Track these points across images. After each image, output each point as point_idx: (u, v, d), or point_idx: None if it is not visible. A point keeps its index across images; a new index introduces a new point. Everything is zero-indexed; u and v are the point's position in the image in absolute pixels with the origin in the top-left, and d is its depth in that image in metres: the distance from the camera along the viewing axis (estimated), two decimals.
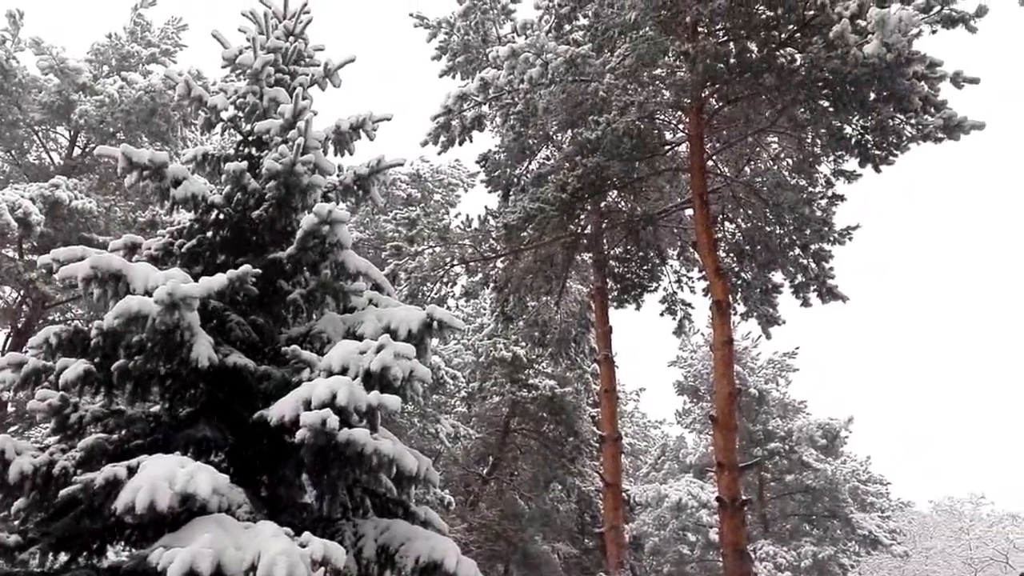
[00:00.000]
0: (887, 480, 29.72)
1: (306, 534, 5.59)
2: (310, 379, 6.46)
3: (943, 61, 12.23)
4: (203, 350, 6.32)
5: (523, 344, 22.16)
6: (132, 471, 5.51)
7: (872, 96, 12.24)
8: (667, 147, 15.03)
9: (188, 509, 5.28)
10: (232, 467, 6.88)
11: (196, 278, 6.65)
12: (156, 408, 7.29)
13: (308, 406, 5.95)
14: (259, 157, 8.12)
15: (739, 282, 15.76)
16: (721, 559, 14.95)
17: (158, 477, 5.18)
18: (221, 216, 7.84)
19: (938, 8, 11.36)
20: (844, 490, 26.21)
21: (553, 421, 24.90)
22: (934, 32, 11.55)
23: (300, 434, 5.81)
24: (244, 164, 7.80)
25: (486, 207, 15.22)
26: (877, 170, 12.99)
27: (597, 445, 19.29)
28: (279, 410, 6.13)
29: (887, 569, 26.34)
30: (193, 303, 6.11)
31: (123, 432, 6.89)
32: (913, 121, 12.49)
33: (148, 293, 6.16)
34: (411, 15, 16.15)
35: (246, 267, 6.64)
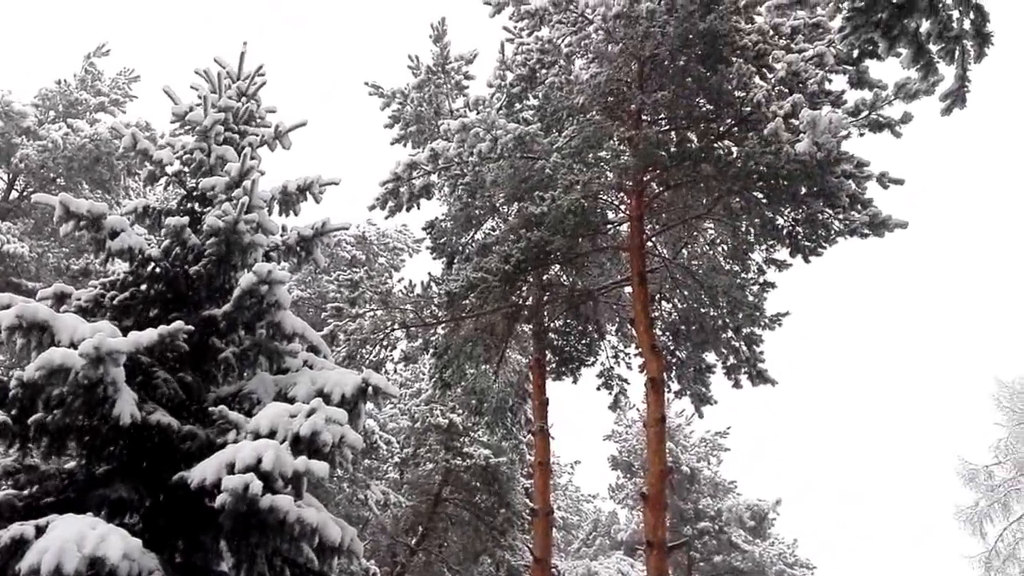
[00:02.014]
0: (813, 564, 29.94)
1: None
2: (236, 441, 6.36)
3: (870, 162, 12.97)
4: (126, 407, 6.19)
5: (460, 411, 21.99)
6: (40, 531, 5.31)
7: (803, 191, 12.85)
8: (609, 226, 15.43)
9: (97, 574, 5.09)
10: (147, 530, 6.65)
11: (126, 332, 6.55)
12: (72, 464, 7.05)
13: (231, 470, 5.84)
14: (202, 213, 8.10)
15: (674, 360, 16.05)
16: None
17: (67, 539, 5.01)
18: (157, 270, 7.76)
19: (866, 113, 12.06)
20: (771, 573, 26.33)
21: (486, 491, 24.55)
22: (861, 135, 12.26)
23: (221, 499, 5.69)
24: (186, 219, 7.79)
25: (430, 274, 15.32)
26: (806, 261, 13.54)
27: (529, 518, 19.11)
28: (201, 472, 6.00)
29: None
30: (119, 358, 6.01)
31: (35, 488, 6.63)
32: (841, 216, 13.11)
33: (74, 345, 6.04)
34: (367, 83, 16.47)
35: (178, 323, 6.57)
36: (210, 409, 6.71)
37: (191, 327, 6.72)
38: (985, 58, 6.83)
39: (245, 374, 7.61)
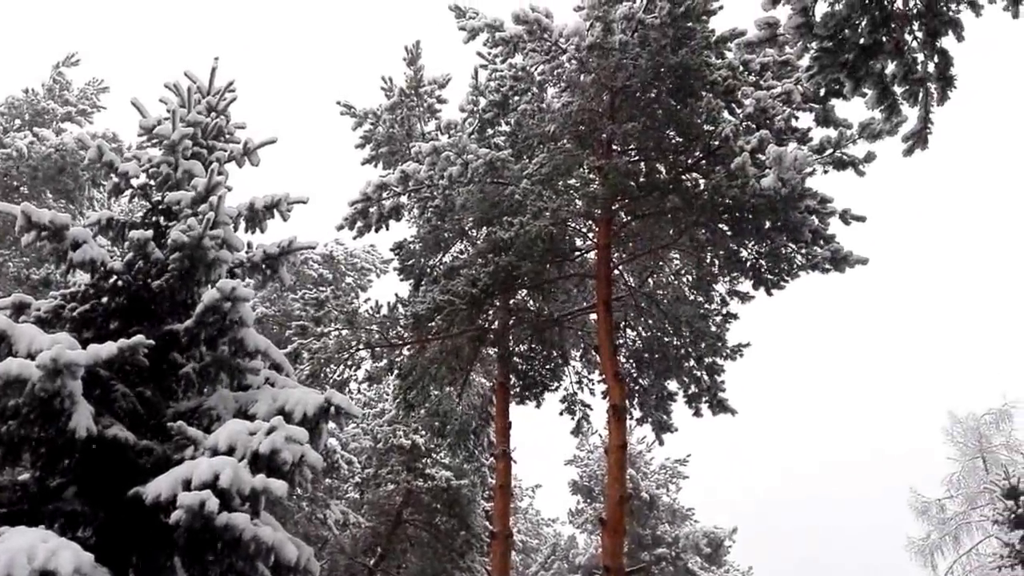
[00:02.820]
0: None
1: None
2: (194, 457, 6.32)
3: (833, 198, 13.32)
4: (83, 420, 6.12)
5: (423, 433, 21.88)
6: None
7: (767, 225, 13.13)
8: (577, 253, 15.59)
9: None
10: (100, 545, 6.54)
11: (85, 344, 6.49)
12: (25, 476, 6.93)
13: (188, 486, 5.81)
14: (167, 227, 8.07)
15: (636, 388, 16.19)
16: None
17: (17, 551, 4.94)
18: (119, 283, 7.71)
19: (830, 151, 12.37)
20: None
21: (447, 513, 24.41)
22: (826, 172, 12.58)
23: (176, 515, 5.65)
24: (150, 233, 7.76)
25: (396, 295, 15.31)
26: (769, 293, 13.80)
27: (488, 540, 19.00)
28: (156, 488, 5.96)
29: None
30: (78, 371, 5.95)
31: None
32: (804, 251, 13.42)
33: (32, 356, 5.98)
34: (339, 103, 16.51)
35: (139, 337, 6.53)
36: (168, 424, 6.66)
37: (152, 341, 6.67)
38: (948, 101, 7.08)
39: (205, 390, 7.56)
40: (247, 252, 8.33)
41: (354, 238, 14.55)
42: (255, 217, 8.54)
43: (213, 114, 8.94)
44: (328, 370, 14.77)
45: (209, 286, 7.47)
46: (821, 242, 13.09)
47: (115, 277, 7.69)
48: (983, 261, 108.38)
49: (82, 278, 8.04)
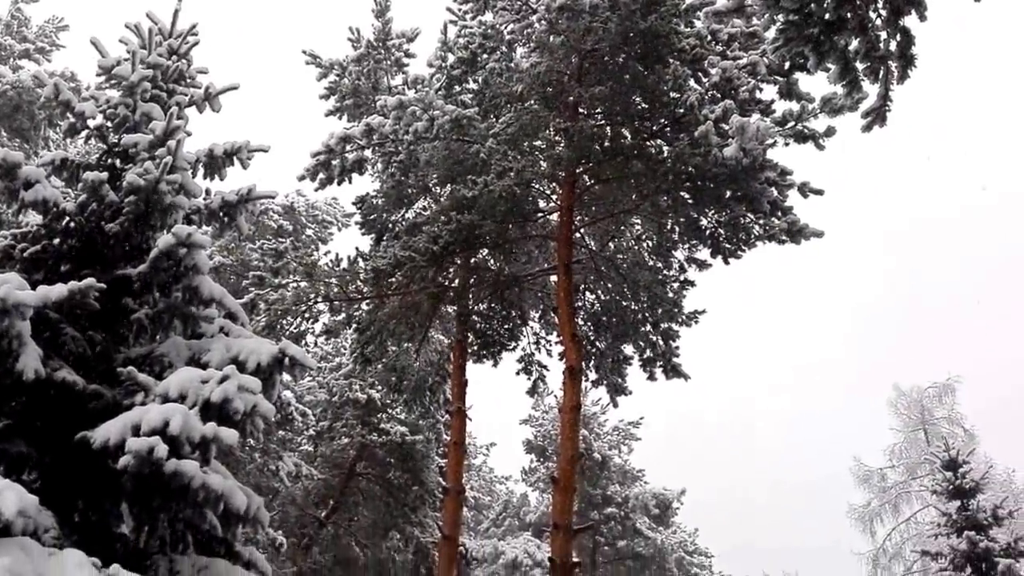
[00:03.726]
0: (711, 553, 31.11)
1: (115, 566, 5.40)
2: (144, 403, 6.28)
3: (793, 171, 13.49)
4: (30, 362, 6.04)
5: (379, 388, 21.97)
6: None
7: (728, 194, 13.28)
8: (539, 215, 15.62)
9: None
10: (46, 488, 6.51)
11: (35, 285, 6.38)
12: None
13: (137, 432, 5.79)
14: (122, 170, 7.90)
15: (593, 350, 16.39)
16: None
17: None
18: (72, 225, 7.55)
19: (792, 124, 12.50)
20: (671, 559, 27.24)
21: (400, 468, 24.63)
22: (787, 145, 12.72)
23: (124, 460, 5.64)
24: (105, 175, 7.59)
25: (357, 249, 15.21)
26: (726, 262, 14.01)
27: (441, 496, 19.26)
28: (105, 433, 5.93)
29: None
30: (26, 311, 5.86)
31: None
32: (762, 222, 13.61)
33: None
34: (304, 52, 16.19)
35: (90, 280, 6.43)
36: (119, 370, 6.60)
37: (103, 285, 6.57)
38: (908, 80, 7.19)
39: (158, 337, 7.49)
40: (205, 199, 8.21)
41: (316, 190, 14.40)
42: (214, 164, 8.40)
43: (174, 57, 8.71)
44: (285, 322, 14.69)
45: (164, 231, 7.36)
46: (779, 213, 13.28)
47: (68, 219, 7.53)
48: (935, 237, 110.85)
49: (34, 219, 7.87)
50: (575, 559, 13.58)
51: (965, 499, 16.21)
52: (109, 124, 8.25)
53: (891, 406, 29.20)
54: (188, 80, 8.75)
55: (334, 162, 13.94)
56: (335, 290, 14.68)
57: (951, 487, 16.48)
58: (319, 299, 14.76)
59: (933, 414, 28.49)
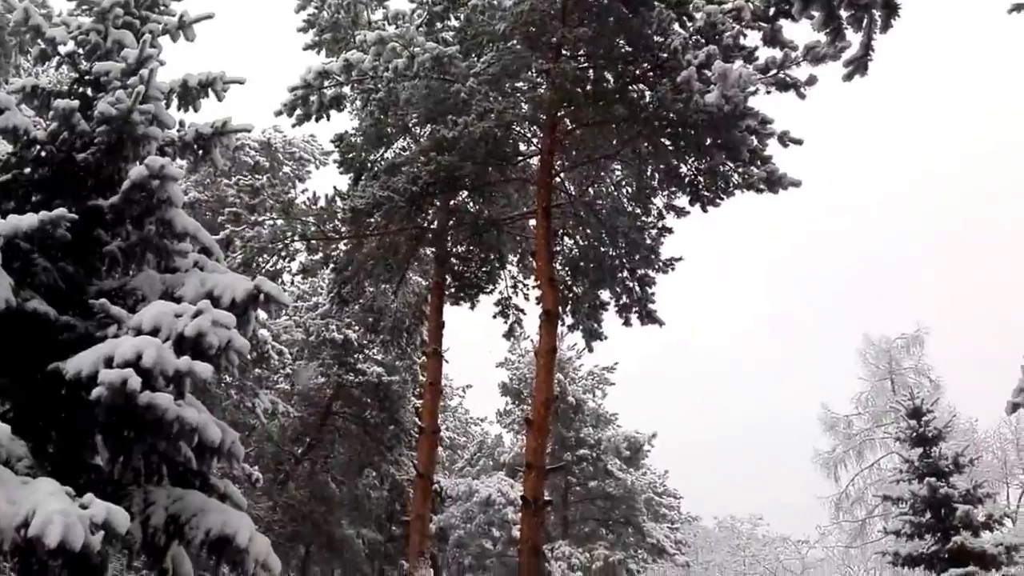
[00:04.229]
0: (680, 495, 31.91)
1: (88, 496, 5.44)
2: (117, 336, 6.26)
3: (774, 120, 13.46)
4: (1, 292, 5.99)
5: (356, 328, 22.03)
6: None
7: (708, 142, 13.25)
8: (520, 158, 15.51)
9: None
10: (18, 419, 6.52)
11: (5, 215, 6.30)
12: None
13: (110, 363, 5.78)
14: (94, 99, 7.72)
15: (570, 295, 16.48)
16: (518, 556, 15.55)
17: None
18: (43, 154, 7.41)
19: (775, 71, 12.43)
20: (640, 500, 27.91)
21: (376, 408, 24.88)
22: (768, 92, 12.66)
23: (97, 392, 5.64)
24: (76, 104, 7.42)
25: (335, 188, 15.07)
26: (704, 210, 14.05)
27: (416, 435, 19.50)
28: (77, 364, 5.92)
29: None
30: None
31: None
32: (741, 170, 13.62)
33: None
34: None
35: (62, 210, 6.35)
36: (91, 302, 6.55)
37: (75, 216, 6.50)
38: (891, 29, 7.14)
39: (131, 270, 7.43)
40: (178, 130, 8.06)
41: (293, 126, 14.17)
42: (188, 95, 8.22)
43: None
44: (261, 260, 14.61)
45: (137, 163, 7.22)
46: (758, 162, 13.30)
47: (39, 147, 7.38)
48: (911, 190, 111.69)
49: (3, 147, 7.71)
50: (547, 498, 13.89)
51: (927, 447, 16.63)
52: (80, 51, 8.02)
53: (860, 356, 29.80)
54: (162, 7, 8.51)
55: (312, 98, 13.69)
56: (312, 229, 14.59)
57: (914, 435, 16.87)
58: (296, 238, 14.67)
59: (901, 364, 29.14)
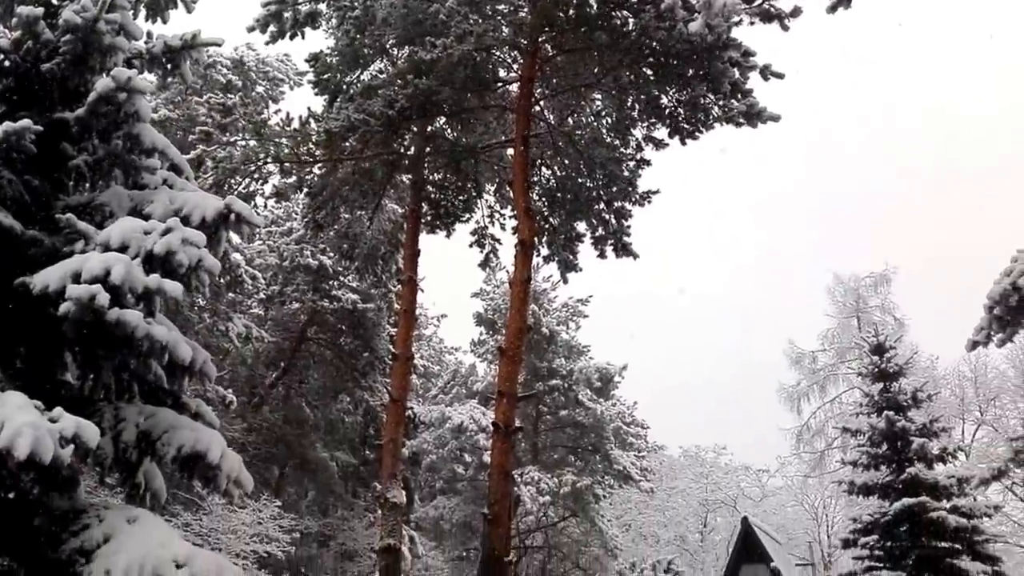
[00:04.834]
0: (647, 424, 32.65)
1: (58, 410, 5.44)
2: (84, 252, 6.17)
3: (756, 52, 13.31)
4: None
5: (330, 255, 21.92)
6: None
7: (690, 72, 13.11)
8: (499, 84, 15.25)
9: None
10: None
11: None
12: None
13: (77, 279, 5.71)
14: (59, 7, 7.42)
15: (546, 226, 16.47)
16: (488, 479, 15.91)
17: None
18: (7, 63, 7.15)
19: (759, 2, 12.26)
20: (609, 429, 28.54)
21: (351, 335, 24.99)
22: (752, 24, 12.49)
23: (65, 307, 5.59)
24: (40, 11, 7.12)
25: (309, 109, 14.73)
26: (683, 143, 14.00)
27: (390, 362, 19.64)
28: (45, 279, 5.84)
29: (635, 502, 29.16)
30: None
31: None
32: (721, 103, 13.53)
33: None
34: None
35: (26, 122, 6.18)
36: (58, 217, 6.43)
37: (40, 128, 6.32)
38: None
39: (98, 186, 7.27)
40: (146, 42, 7.77)
41: (267, 44, 13.81)
42: (157, 5, 7.95)
43: None
44: (233, 182, 14.36)
45: (104, 74, 6.99)
46: (739, 95, 13.20)
47: (2, 56, 7.12)
48: (885, 129, 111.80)
49: None
50: (517, 424, 14.15)
51: (888, 382, 17.08)
52: None
53: (828, 293, 30.26)
54: None
55: (286, 14, 13.29)
56: (286, 151, 14.33)
57: (876, 370, 17.30)
58: (269, 160, 14.41)
59: (867, 302, 29.66)
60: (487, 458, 25.73)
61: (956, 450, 16.80)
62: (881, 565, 15.84)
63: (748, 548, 21.42)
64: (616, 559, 24.68)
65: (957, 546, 15.30)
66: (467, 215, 17.33)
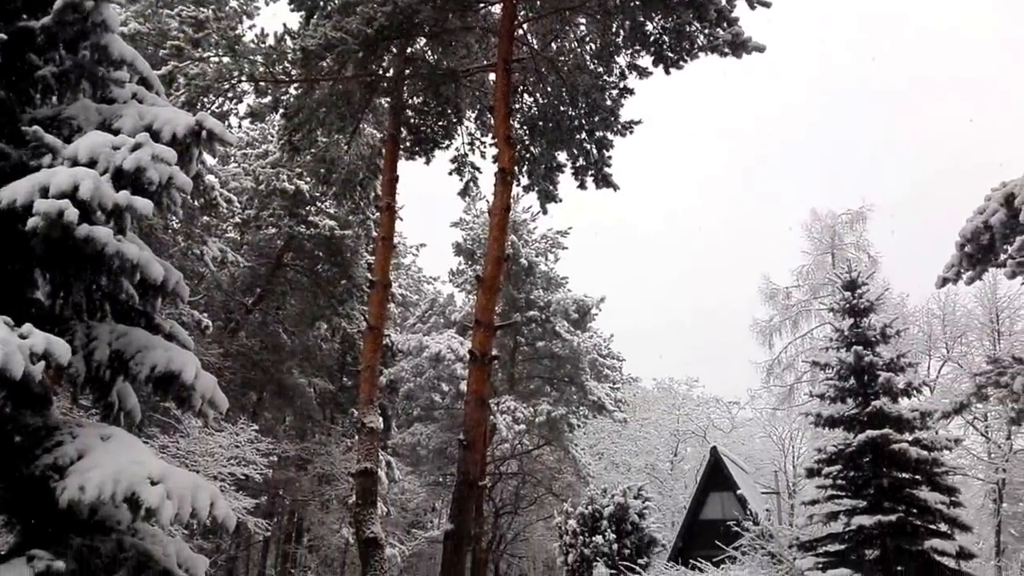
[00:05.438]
0: (623, 357, 33.10)
1: (28, 326, 5.38)
2: (52, 166, 6.01)
3: None
4: None
5: (307, 179, 21.58)
6: None
7: None
8: (481, 4, 14.83)
9: None
10: None
11: None
12: None
13: (45, 194, 5.57)
14: None
15: (527, 155, 16.27)
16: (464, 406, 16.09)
17: None
18: None
19: None
20: (585, 361, 28.90)
21: (328, 262, 24.84)
22: None
23: (32, 222, 5.47)
24: None
25: (284, 25, 14.25)
26: (667, 72, 13.77)
27: (368, 290, 19.59)
28: (12, 193, 5.69)
29: (608, 432, 29.70)
30: None
31: None
32: (707, 31, 13.28)
33: None
34: None
35: None
36: (24, 129, 6.23)
37: (5, 37, 6.07)
38: None
39: (66, 98, 7.04)
40: None
41: None
42: None
43: None
44: (206, 100, 13.96)
45: None
46: (724, 24, 12.95)
47: None
48: (874, 66, 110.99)
49: None
50: (494, 353, 14.25)
51: (858, 318, 17.27)
52: None
53: (806, 230, 30.39)
54: None
55: None
56: (260, 69, 13.93)
57: (848, 306, 17.47)
58: (243, 78, 14.01)
59: (843, 239, 29.84)
60: (464, 387, 26.04)
61: (921, 385, 17.09)
62: (843, 494, 16.30)
63: (716, 476, 22.00)
64: (588, 485, 25.28)
65: (917, 477, 15.74)
66: (447, 142, 17.06)
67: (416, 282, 35.75)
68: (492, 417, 24.82)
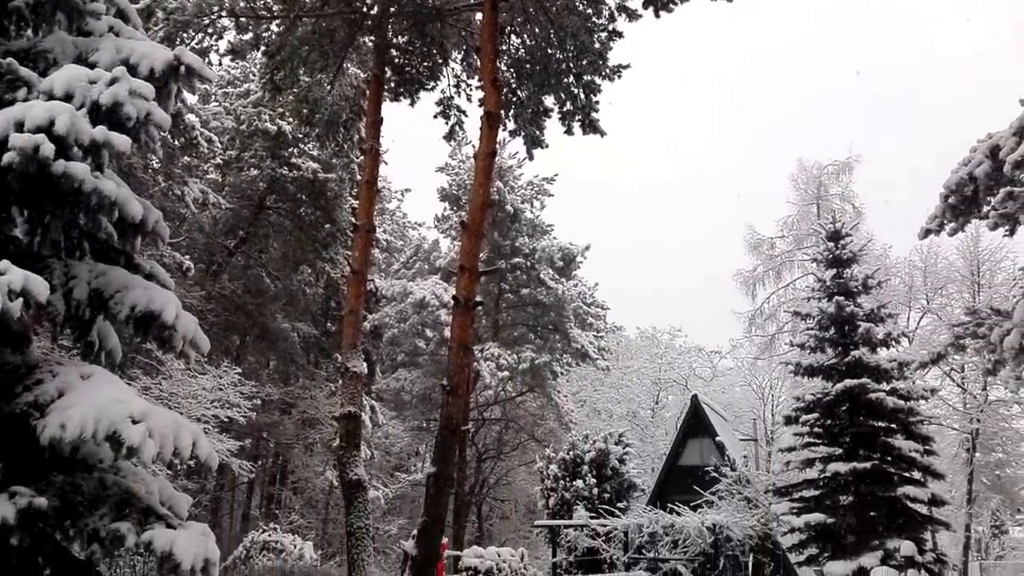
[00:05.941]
0: (607, 306, 33.26)
1: (5, 262, 5.30)
2: (27, 100, 5.84)
3: None
4: None
5: (290, 120, 21.22)
6: None
7: None
8: None
9: None
10: None
11: None
12: None
13: (21, 128, 5.43)
14: None
15: (513, 99, 16.01)
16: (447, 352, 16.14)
17: None
18: None
19: None
20: (569, 309, 29.02)
21: (312, 205, 24.60)
22: None
23: (8, 157, 5.35)
24: None
25: None
26: (657, 15, 13.50)
27: (352, 234, 19.44)
28: None
29: (590, 379, 30.03)
30: None
31: None
32: None
33: None
34: None
35: None
36: None
37: None
38: None
39: (40, 31, 6.83)
40: None
41: None
42: None
43: None
44: (185, 36, 13.58)
45: None
46: None
47: None
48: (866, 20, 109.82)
49: None
50: (478, 299, 14.23)
51: (841, 268, 17.40)
52: None
53: (792, 181, 30.36)
54: None
55: None
56: (241, 4, 13.55)
57: (831, 256, 17.59)
58: (223, 13, 13.63)
59: (828, 190, 29.84)
60: (448, 333, 26.13)
61: (900, 335, 17.34)
62: (819, 441, 16.63)
63: (696, 423, 22.36)
64: (570, 432, 25.64)
65: (893, 426, 16.07)
66: (432, 83, 16.75)
67: (401, 228, 35.52)
68: (476, 364, 24.96)
